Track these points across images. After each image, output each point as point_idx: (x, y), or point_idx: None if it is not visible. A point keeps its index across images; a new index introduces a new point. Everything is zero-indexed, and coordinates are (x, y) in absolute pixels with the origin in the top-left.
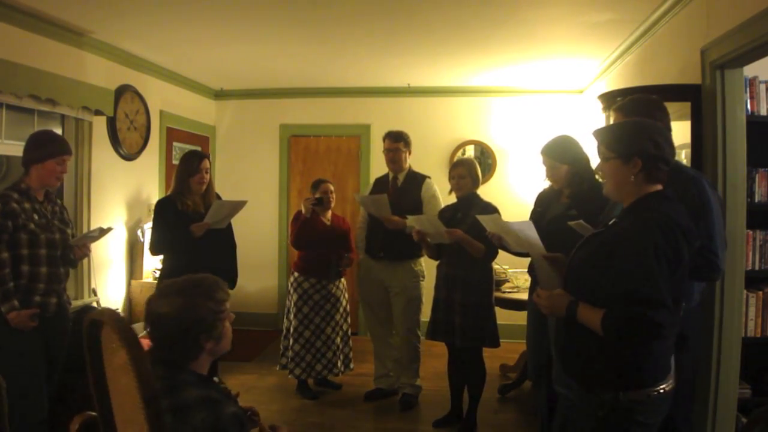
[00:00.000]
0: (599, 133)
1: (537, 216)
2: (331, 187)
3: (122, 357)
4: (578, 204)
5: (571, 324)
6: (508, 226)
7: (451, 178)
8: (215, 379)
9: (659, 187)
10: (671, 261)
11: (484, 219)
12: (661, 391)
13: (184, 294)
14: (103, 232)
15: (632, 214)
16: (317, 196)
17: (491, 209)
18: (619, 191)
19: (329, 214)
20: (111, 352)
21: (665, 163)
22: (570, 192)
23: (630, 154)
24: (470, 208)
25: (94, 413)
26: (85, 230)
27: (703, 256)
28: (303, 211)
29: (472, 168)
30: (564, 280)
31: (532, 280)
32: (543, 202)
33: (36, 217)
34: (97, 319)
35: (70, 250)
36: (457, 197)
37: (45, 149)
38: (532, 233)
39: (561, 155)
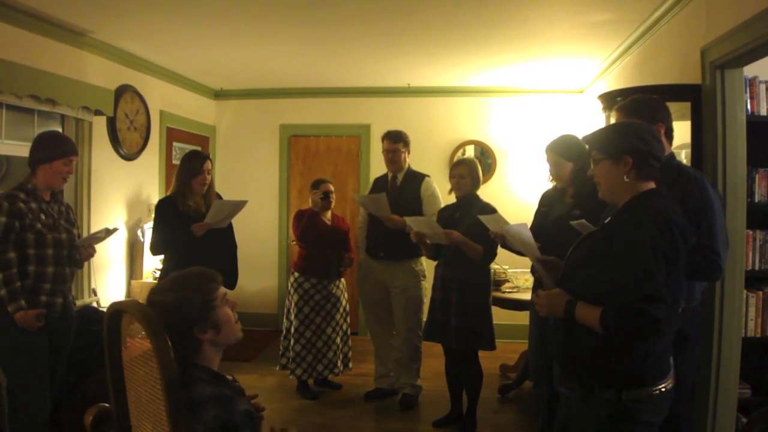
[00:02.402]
0: (587, 138)
1: (541, 216)
2: (331, 187)
3: (142, 347)
4: (582, 203)
5: (571, 324)
6: (509, 226)
7: (451, 177)
8: (228, 377)
9: (652, 185)
10: (668, 257)
11: (486, 219)
12: (663, 389)
13: (172, 289)
14: (109, 232)
15: (627, 211)
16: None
17: (490, 210)
18: (613, 192)
19: (329, 214)
20: (131, 343)
21: (655, 159)
22: (574, 191)
23: (619, 152)
24: (469, 209)
25: (107, 405)
26: (85, 231)
27: (704, 255)
28: (311, 204)
29: (473, 168)
30: (560, 281)
31: (534, 280)
32: (547, 202)
33: (43, 216)
34: (119, 309)
35: (76, 250)
36: (457, 197)
37: (53, 149)
38: (528, 234)
39: (566, 152)
